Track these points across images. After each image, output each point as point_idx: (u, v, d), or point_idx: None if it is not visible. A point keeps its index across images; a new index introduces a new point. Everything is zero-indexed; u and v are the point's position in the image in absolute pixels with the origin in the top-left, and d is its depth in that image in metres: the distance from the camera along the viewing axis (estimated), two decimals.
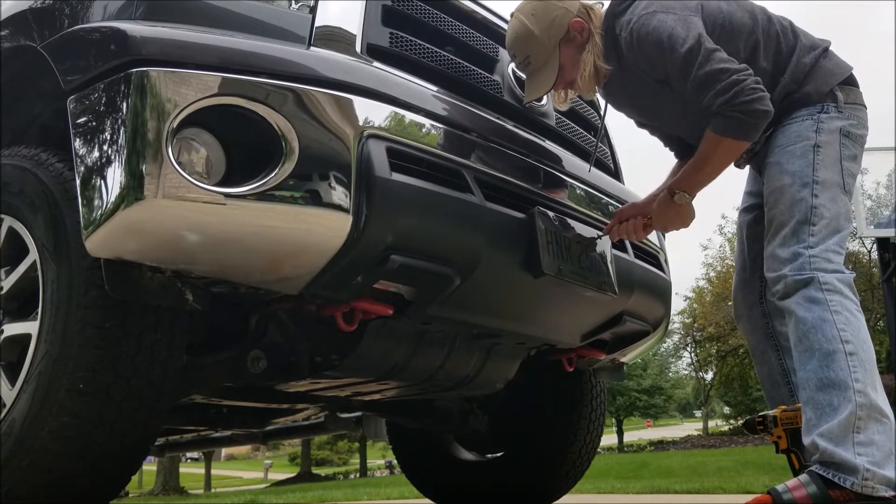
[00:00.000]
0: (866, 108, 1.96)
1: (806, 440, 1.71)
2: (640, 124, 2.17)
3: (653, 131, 2.19)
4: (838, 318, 1.73)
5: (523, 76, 2.09)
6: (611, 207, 2.18)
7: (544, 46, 1.90)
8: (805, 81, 1.91)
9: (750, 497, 1.69)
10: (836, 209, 1.82)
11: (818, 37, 1.99)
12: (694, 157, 1.88)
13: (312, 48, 1.61)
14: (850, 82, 1.95)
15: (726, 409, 38.92)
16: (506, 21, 2.11)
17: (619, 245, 2.14)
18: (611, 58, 1.91)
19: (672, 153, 2.23)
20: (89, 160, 1.39)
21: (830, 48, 1.98)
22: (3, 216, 1.67)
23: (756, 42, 1.89)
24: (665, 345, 27.78)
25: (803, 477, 1.67)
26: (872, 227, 6.82)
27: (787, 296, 1.79)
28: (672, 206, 1.92)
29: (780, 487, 1.67)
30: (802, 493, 1.63)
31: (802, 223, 1.80)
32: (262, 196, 1.37)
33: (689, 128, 1.98)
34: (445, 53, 1.87)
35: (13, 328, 1.61)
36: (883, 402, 1.69)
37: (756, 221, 2.08)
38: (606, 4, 1.96)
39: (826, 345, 1.71)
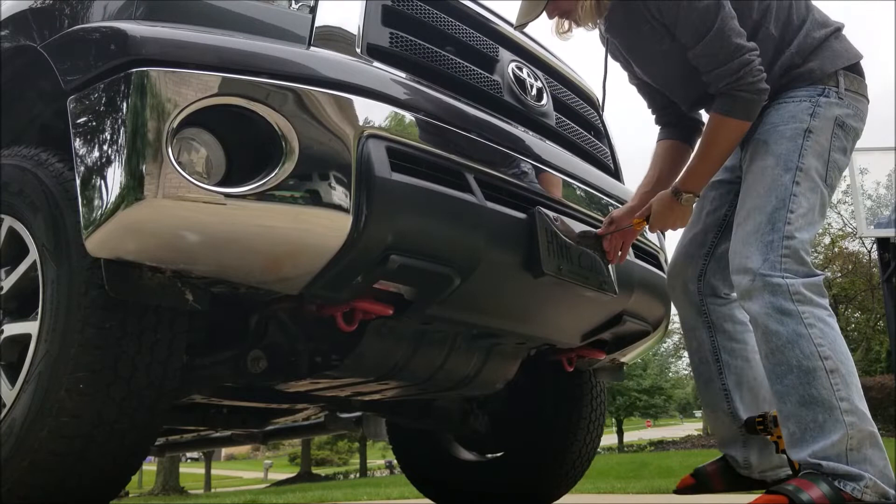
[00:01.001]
0: (868, 101, 1.89)
1: (795, 455, 1.67)
2: (633, 78, 2.11)
3: (642, 88, 2.13)
4: (813, 332, 1.67)
5: (524, 76, 2.09)
6: (611, 207, 2.18)
7: None
8: (811, 57, 1.83)
9: (750, 497, 1.69)
10: (813, 200, 1.76)
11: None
12: (697, 148, 1.86)
13: (312, 48, 1.61)
14: (856, 70, 1.86)
15: None
16: (506, 21, 2.11)
17: None
18: None
19: (655, 120, 2.17)
20: (89, 160, 1.39)
21: (843, 31, 1.90)
22: (3, 216, 1.67)
23: (768, 7, 1.83)
24: (665, 345, 27.76)
25: (808, 476, 1.63)
26: (872, 227, 6.82)
27: (751, 296, 1.72)
28: (676, 208, 1.89)
29: (789, 487, 1.61)
30: (818, 494, 1.59)
31: (779, 209, 1.74)
32: (262, 196, 1.37)
33: (684, 81, 1.92)
34: (445, 53, 1.87)
35: (13, 328, 1.61)
36: (866, 409, 1.67)
37: (721, 197, 2.03)
38: None
39: (805, 362, 1.65)
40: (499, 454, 2.86)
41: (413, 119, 1.63)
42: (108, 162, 1.35)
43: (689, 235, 2.06)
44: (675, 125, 2.09)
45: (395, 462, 8.15)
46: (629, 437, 35.92)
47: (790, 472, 1.95)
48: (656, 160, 2.10)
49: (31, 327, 1.54)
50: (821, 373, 1.65)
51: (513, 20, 2.15)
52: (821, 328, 1.68)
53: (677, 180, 1.90)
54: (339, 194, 1.43)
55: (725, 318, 2.02)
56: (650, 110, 2.17)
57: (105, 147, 1.36)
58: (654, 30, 1.81)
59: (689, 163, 1.89)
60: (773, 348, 1.69)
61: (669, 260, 2.09)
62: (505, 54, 2.08)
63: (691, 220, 2.02)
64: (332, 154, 1.45)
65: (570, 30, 1.97)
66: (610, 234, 2.03)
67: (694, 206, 1.95)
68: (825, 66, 1.82)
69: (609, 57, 2.08)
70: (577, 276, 1.92)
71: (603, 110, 2.26)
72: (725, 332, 2.01)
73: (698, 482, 2.01)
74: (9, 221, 1.66)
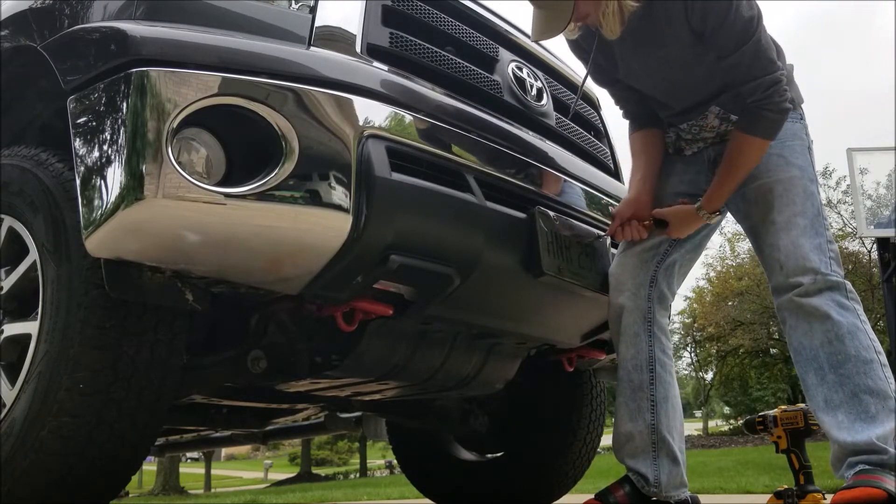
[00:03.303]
0: None
1: (854, 437, 1.68)
2: (612, 81, 2.07)
3: (617, 90, 2.10)
4: (867, 328, 1.78)
5: (524, 76, 2.09)
6: (611, 208, 2.18)
7: None
8: (790, 87, 1.92)
9: (750, 497, 1.69)
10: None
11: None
12: (721, 168, 1.88)
13: (312, 48, 1.61)
14: None
15: (726, 409, 38.93)
16: (506, 21, 2.10)
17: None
18: None
19: (623, 115, 2.17)
20: (89, 160, 1.39)
21: None
22: (3, 216, 1.67)
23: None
24: None
25: (874, 470, 1.64)
26: (872, 227, 6.82)
27: (811, 294, 1.78)
28: (697, 222, 1.95)
29: (878, 483, 1.59)
30: None
31: (817, 216, 1.84)
32: (262, 196, 1.37)
33: (688, 89, 1.92)
34: (445, 53, 1.87)
35: (13, 328, 1.61)
36: None
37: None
38: None
39: (864, 353, 1.73)
40: (499, 454, 2.86)
41: (413, 119, 1.63)
42: (108, 162, 1.35)
43: (641, 243, 2.04)
44: (644, 114, 2.11)
45: (395, 462, 8.14)
46: None
47: (690, 494, 2.00)
48: (641, 148, 2.10)
49: (31, 327, 1.54)
50: (876, 365, 1.73)
51: (514, 21, 2.15)
52: (869, 326, 1.79)
53: (702, 200, 1.92)
54: (338, 194, 1.43)
55: (662, 331, 2.03)
56: (619, 106, 2.18)
57: (105, 147, 1.36)
58: (678, 36, 1.80)
59: (712, 184, 1.91)
60: (833, 337, 1.75)
61: (614, 264, 2.08)
62: (505, 54, 2.08)
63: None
64: (331, 154, 1.45)
65: (576, 28, 1.93)
66: (618, 231, 2.02)
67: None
68: (797, 97, 1.96)
69: (581, 57, 2.07)
70: (577, 276, 1.93)
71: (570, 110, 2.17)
72: (661, 344, 2.02)
73: None
74: (9, 221, 1.66)
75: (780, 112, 1.79)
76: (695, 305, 24.22)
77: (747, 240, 2.15)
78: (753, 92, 1.76)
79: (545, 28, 1.79)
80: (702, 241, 2.13)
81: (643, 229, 2.00)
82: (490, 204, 1.70)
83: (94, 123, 1.39)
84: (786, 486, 2.13)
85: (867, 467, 1.65)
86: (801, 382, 1.80)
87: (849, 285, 1.80)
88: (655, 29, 1.82)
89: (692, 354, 28.06)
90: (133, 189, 1.30)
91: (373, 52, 1.70)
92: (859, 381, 1.71)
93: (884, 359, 1.74)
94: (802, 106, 1.99)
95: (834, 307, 1.76)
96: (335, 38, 1.66)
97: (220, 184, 1.37)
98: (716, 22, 1.73)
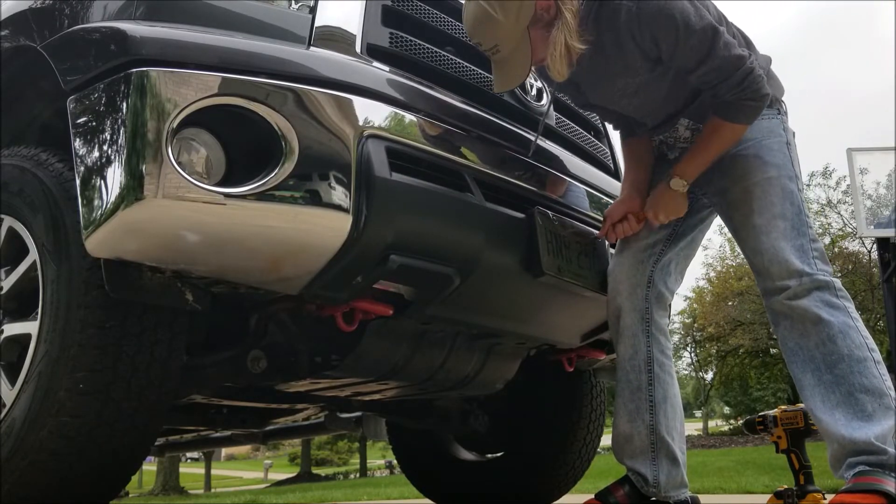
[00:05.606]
0: None
1: (852, 435, 1.68)
2: (586, 104, 2.08)
3: (599, 111, 2.12)
4: (859, 325, 1.77)
5: None
6: None
7: (512, 33, 1.70)
8: (768, 79, 1.91)
9: (750, 497, 1.69)
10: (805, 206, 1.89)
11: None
12: (697, 145, 1.88)
13: (312, 48, 1.61)
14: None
15: (726, 409, 38.97)
16: None
17: None
18: (588, 32, 1.75)
19: (613, 127, 2.17)
20: (89, 160, 1.39)
21: None
22: (3, 216, 1.67)
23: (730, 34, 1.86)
24: None
25: (874, 473, 1.64)
26: (872, 227, 6.82)
27: (799, 295, 1.77)
28: (667, 193, 1.91)
29: (877, 486, 1.60)
30: None
31: (798, 215, 1.82)
32: (262, 196, 1.37)
33: (657, 107, 1.93)
34: (445, 53, 1.87)
35: (13, 328, 1.61)
36: None
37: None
38: None
39: (857, 351, 1.73)
40: (499, 454, 2.86)
41: (413, 119, 1.63)
42: (108, 162, 1.35)
43: (636, 242, 2.04)
44: (629, 126, 2.10)
45: (395, 462, 8.15)
46: None
47: (690, 495, 2.00)
48: (631, 154, 2.11)
49: (31, 327, 1.55)
50: (870, 363, 1.73)
51: None
52: (861, 323, 1.78)
53: (675, 167, 1.91)
54: (338, 194, 1.43)
55: (661, 331, 2.03)
56: (611, 125, 2.19)
57: (105, 147, 1.36)
58: (633, 65, 1.79)
59: (686, 156, 1.91)
60: (825, 338, 1.75)
61: (611, 265, 2.07)
62: None
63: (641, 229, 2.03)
64: (331, 154, 1.45)
65: (534, 71, 1.97)
66: (610, 231, 2.02)
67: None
68: (776, 92, 1.93)
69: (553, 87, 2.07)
70: (577, 276, 1.93)
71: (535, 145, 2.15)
72: (660, 345, 2.01)
73: None
74: (9, 221, 1.66)
75: (760, 98, 1.78)
76: (695, 305, 24.21)
77: None
78: (730, 89, 1.75)
79: (507, 80, 1.80)
80: (695, 237, 2.12)
81: (634, 221, 1.99)
82: (490, 204, 1.70)
83: (94, 123, 1.39)
84: (786, 486, 2.13)
85: (866, 468, 1.65)
86: (797, 383, 1.80)
87: (837, 283, 1.79)
88: (611, 62, 1.81)
89: (692, 354, 28.04)
90: (133, 189, 1.30)
91: (373, 52, 1.70)
92: (854, 380, 1.71)
93: (877, 356, 1.74)
94: (784, 100, 1.98)
95: (824, 307, 1.76)
96: (335, 38, 1.66)
97: (219, 184, 1.37)
98: (669, 45, 1.72)
